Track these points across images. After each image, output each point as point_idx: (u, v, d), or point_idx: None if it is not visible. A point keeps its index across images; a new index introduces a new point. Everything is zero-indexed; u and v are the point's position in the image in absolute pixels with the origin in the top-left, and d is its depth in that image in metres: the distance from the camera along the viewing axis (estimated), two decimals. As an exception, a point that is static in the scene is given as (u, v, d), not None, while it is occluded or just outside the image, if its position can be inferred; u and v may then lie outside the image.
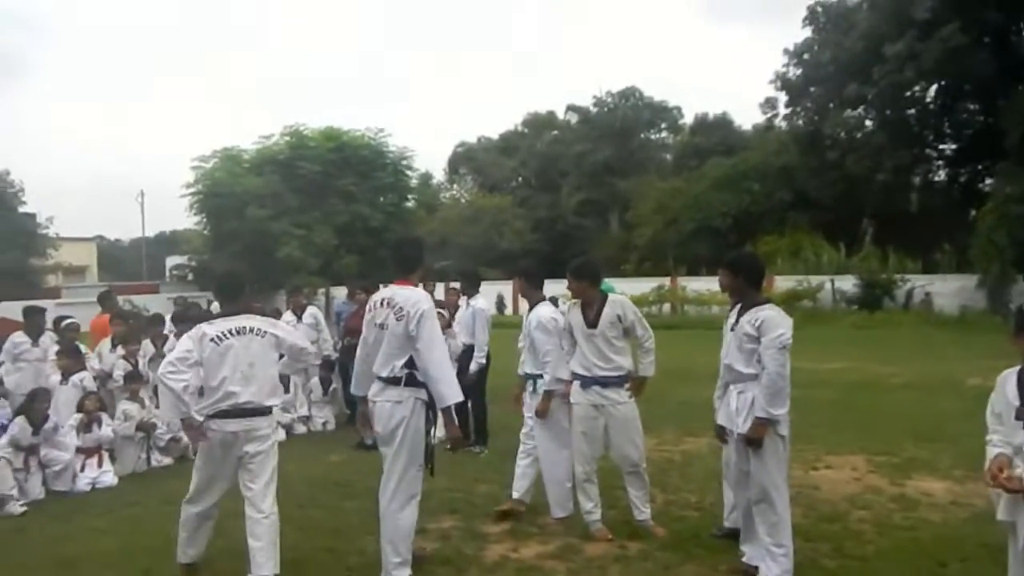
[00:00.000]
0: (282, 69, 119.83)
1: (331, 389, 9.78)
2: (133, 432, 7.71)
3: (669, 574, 4.66)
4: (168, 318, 9.58)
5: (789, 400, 4.45)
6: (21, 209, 34.69)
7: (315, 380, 9.78)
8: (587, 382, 5.27)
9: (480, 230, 38.58)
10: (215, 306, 6.60)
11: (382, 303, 4.63)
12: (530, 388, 5.74)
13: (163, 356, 8.35)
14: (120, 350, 8.41)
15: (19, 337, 8.25)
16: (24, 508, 6.40)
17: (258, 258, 28.96)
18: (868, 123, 29.36)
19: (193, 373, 4.65)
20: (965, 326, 19.74)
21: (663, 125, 46.27)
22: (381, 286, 5.20)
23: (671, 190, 35.25)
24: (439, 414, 4.63)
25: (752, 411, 4.44)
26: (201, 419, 4.62)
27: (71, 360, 7.94)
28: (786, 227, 29.70)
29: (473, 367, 7.89)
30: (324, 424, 9.72)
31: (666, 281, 26.75)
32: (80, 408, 7.37)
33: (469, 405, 7.93)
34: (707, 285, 23.88)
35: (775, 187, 32.02)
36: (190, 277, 35.61)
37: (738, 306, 4.70)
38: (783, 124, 33.60)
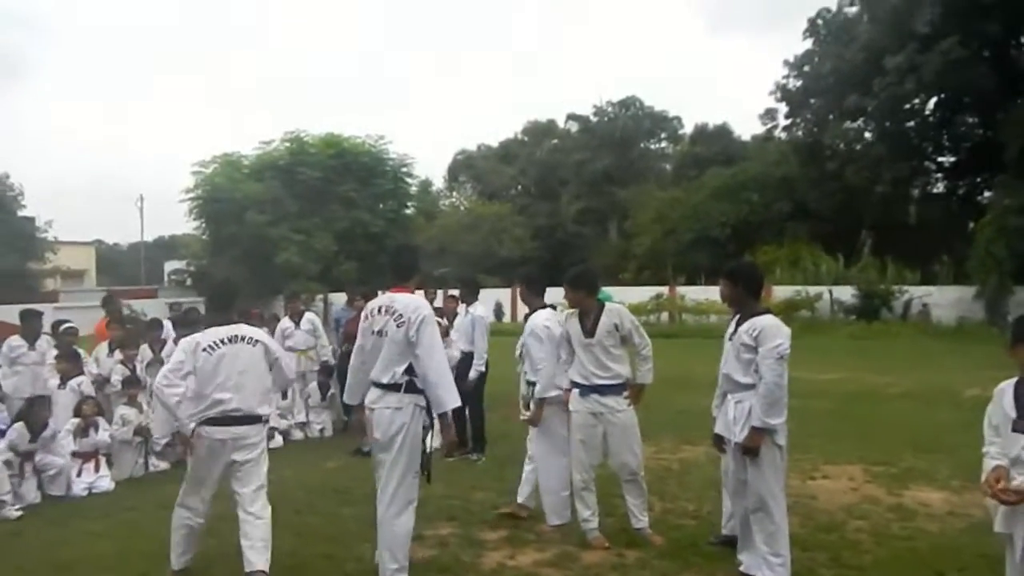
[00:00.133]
0: (282, 73, 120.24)
1: (329, 395, 9.77)
2: (131, 437, 7.70)
3: (666, 583, 4.66)
4: (167, 322, 9.56)
5: (786, 410, 4.46)
6: (20, 213, 34.70)
7: (313, 385, 9.78)
8: (585, 390, 5.28)
9: (479, 238, 38.63)
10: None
11: (379, 310, 4.64)
12: (529, 394, 5.78)
13: (161, 361, 8.42)
14: (118, 355, 8.41)
15: (15, 341, 8.22)
16: (20, 513, 6.39)
17: (257, 263, 28.98)
18: (868, 135, 29.47)
19: (187, 383, 4.72)
20: (963, 337, 19.77)
21: (663, 135, 46.46)
22: (380, 293, 5.21)
23: (670, 199, 35.33)
24: (436, 421, 4.64)
25: (749, 420, 4.45)
26: (192, 425, 4.66)
27: (70, 364, 7.93)
28: (785, 237, 29.75)
29: (472, 374, 7.90)
30: (321, 430, 9.70)
31: (664, 290, 26.78)
32: (77, 413, 7.37)
33: (467, 412, 7.93)
34: (705, 294, 23.93)
35: (774, 197, 32.11)
36: (188, 282, 35.61)
37: (737, 316, 4.72)
38: (783, 135, 33.73)
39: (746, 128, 50.97)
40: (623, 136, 43.70)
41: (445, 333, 7.87)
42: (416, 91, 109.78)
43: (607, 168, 41.66)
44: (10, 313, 13.26)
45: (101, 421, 7.46)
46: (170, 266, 44.73)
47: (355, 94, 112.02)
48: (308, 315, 10.18)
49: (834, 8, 29.64)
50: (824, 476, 6.90)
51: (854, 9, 28.64)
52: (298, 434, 9.51)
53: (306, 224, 30.89)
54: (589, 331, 5.27)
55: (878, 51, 25.14)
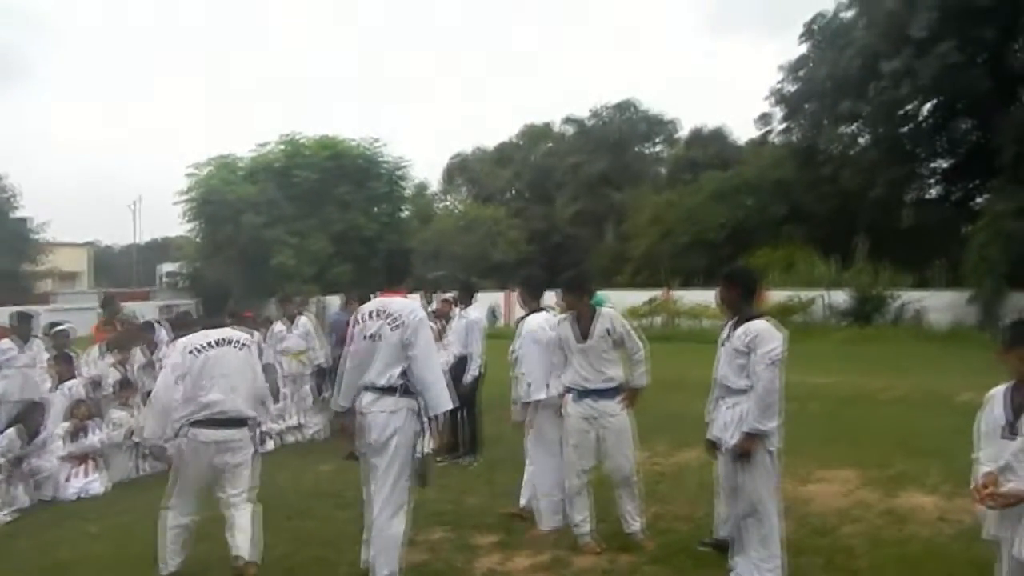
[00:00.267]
0: (276, 75, 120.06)
1: (323, 397, 9.75)
2: (123, 440, 7.67)
3: (658, 587, 4.66)
4: (160, 325, 9.54)
5: (780, 414, 4.46)
6: (15, 214, 34.59)
7: (307, 388, 9.77)
8: (580, 395, 5.28)
9: (474, 240, 38.63)
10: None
11: (372, 315, 4.64)
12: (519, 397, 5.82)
13: (154, 364, 8.41)
14: (111, 357, 8.39)
15: (6, 343, 8.13)
16: (10, 517, 6.37)
17: (252, 266, 28.97)
18: (863, 139, 29.52)
19: (181, 387, 4.79)
20: (956, 341, 19.79)
21: (659, 138, 46.45)
22: (374, 296, 5.21)
23: (666, 202, 35.35)
24: (428, 424, 4.64)
25: (742, 425, 4.45)
26: (169, 443, 4.82)
27: (64, 367, 7.91)
28: (780, 241, 29.77)
29: (468, 378, 7.89)
30: (315, 433, 9.68)
31: (660, 293, 26.79)
32: (70, 416, 7.34)
33: (462, 415, 7.92)
34: (701, 298, 23.92)
35: (769, 201, 32.15)
36: (181, 284, 35.56)
37: (732, 320, 4.72)
38: (778, 139, 33.81)
39: (742, 132, 50.86)
40: (619, 139, 43.72)
41: (439, 336, 7.87)
42: (411, 94, 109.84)
43: (603, 171, 41.66)
44: (2, 315, 13.22)
45: (93, 424, 7.44)
46: (164, 268, 44.69)
47: (350, 101, 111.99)
48: (302, 318, 10.17)
49: (830, 13, 29.76)
50: (817, 480, 6.90)
51: (850, 14, 28.69)
52: (292, 437, 9.49)
53: (301, 226, 30.89)
54: (583, 335, 5.27)
55: (874, 56, 25.18)
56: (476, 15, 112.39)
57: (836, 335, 21.47)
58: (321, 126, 63.28)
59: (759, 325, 4.53)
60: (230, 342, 4.88)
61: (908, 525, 5.67)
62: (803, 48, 30.54)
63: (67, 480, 7.09)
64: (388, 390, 4.51)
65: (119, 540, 5.73)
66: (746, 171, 34.39)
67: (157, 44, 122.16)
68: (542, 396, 5.63)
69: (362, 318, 4.69)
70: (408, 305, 4.66)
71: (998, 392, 3.45)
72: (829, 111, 28.70)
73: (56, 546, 5.65)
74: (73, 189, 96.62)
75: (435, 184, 50.85)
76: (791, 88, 30.93)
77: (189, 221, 32.74)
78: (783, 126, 32.48)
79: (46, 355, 8.03)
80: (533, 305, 6.04)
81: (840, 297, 23.59)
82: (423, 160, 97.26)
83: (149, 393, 6.98)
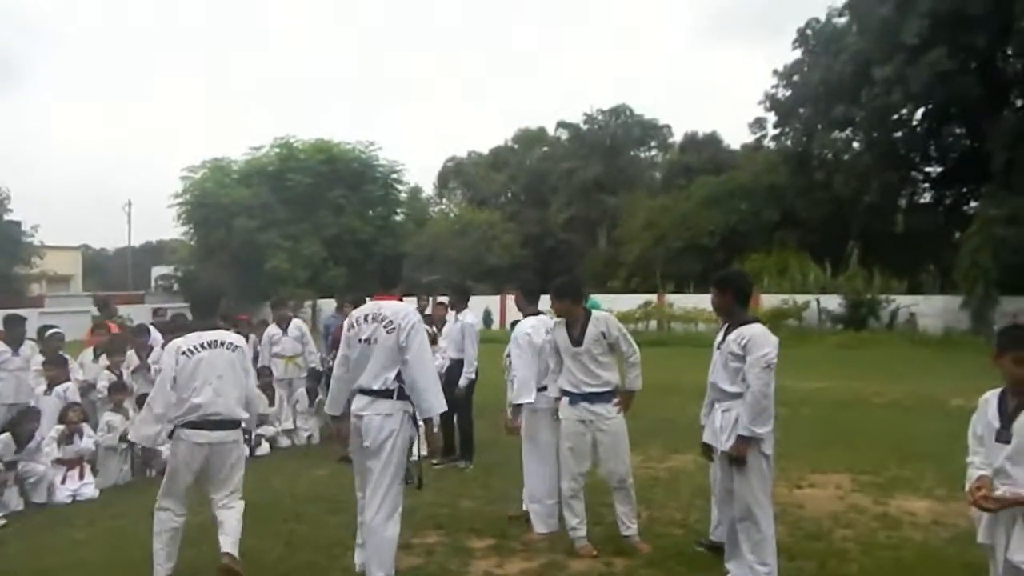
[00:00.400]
0: (271, 78, 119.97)
1: (317, 401, 9.73)
2: (116, 443, 7.64)
3: (653, 591, 4.66)
4: (152, 327, 9.50)
5: (773, 419, 4.48)
6: (6, 216, 34.46)
7: (301, 391, 9.74)
8: (575, 399, 5.28)
9: (469, 244, 38.67)
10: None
11: (366, 319, 4.65)
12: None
13: (148, 367, 8.39)
14: (104, 360, 8.36)
15: (-1, 347, 8.14)
16: (2, 521, 6.33)
17: (245, 269, 28.94)
18: (855, 145, 29.69)
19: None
20: (949, 346, 19.89)
21: (653, 143, 46.64)
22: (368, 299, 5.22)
23: (660, 207, 35.45)
24: (421, 427, 4.66)
25: (736, 429, 4.46)
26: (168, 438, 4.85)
27: (57, 370, 7.87)
28: (773, 246, 29.88)
29: (463, 382, 7.88)
30: (309, 437, 9.66)
31: (653, 298, 26.84)
32: (62, 419, 7.31)
33: (455, 419, 7.92)
34: (694, 302, 23.99)
35: (763, 206, 32.27)
36: (175, 287, 35.47)
37: (726, 324, 4.74)
38: (772, 144, 33.92)
39: (735, 137, 51.22)
40: (613, 144, 43.84)
41: (433, 340, 7.86)
42: (406, 97, 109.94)
43: (597, 176, 41.74)
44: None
45: (86, 428, 7.40)
46: (157, 271, 44.59)
47: (344, 98, 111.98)
48: (295, 321, 10.15)
49: (823, 19, 29.91)
50: (811, 485, 6.92)
51: (843, 20, 28.86)
52: (285, 441, 9.46)
53: (295, 230, 30.86)
54: (576, 340, 5.28)
55: (866, 62, 25.32)
56: (471, 19, 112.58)
57: (830, 340, 21.56)
58: (315, 127, 63.58)
59: (752, 330, 4.54)
60: (221, 344, 4.92)
61: (902, 529, 5.68)
62: (796, 53, 30.73)
63: (62, 483, 7.05)
64: (383, 393, 4.52)
65: (112, 544, 5.71)
66: (740, 176, 34.53)
67: (151, 46, 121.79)
68: (528, 400, 5.65)
69: (356, 322, 4.69)
70: (403, 308, 4.67)
71: (992, 396, 3.46)
72: (822, 116, 28.84)
73: (48, 550, 5.62)
74: (66, 191, 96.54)
75: (430, 188, 50.97)
76: (785, 93, 31.06)
77: (183, 224, 32.72)
78: (777, 131, 32.61)
79: (40, 358, 7.99)
80: (530, 309, 6.07)
81: (833, 302, 23.68)
82: (418, 164, 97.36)
83: (143, 396, 6.98)
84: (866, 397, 12.24)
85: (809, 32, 30.25)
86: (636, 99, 68.79)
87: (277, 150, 33.16)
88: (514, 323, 6.25)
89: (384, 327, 4.54)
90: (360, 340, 4.61)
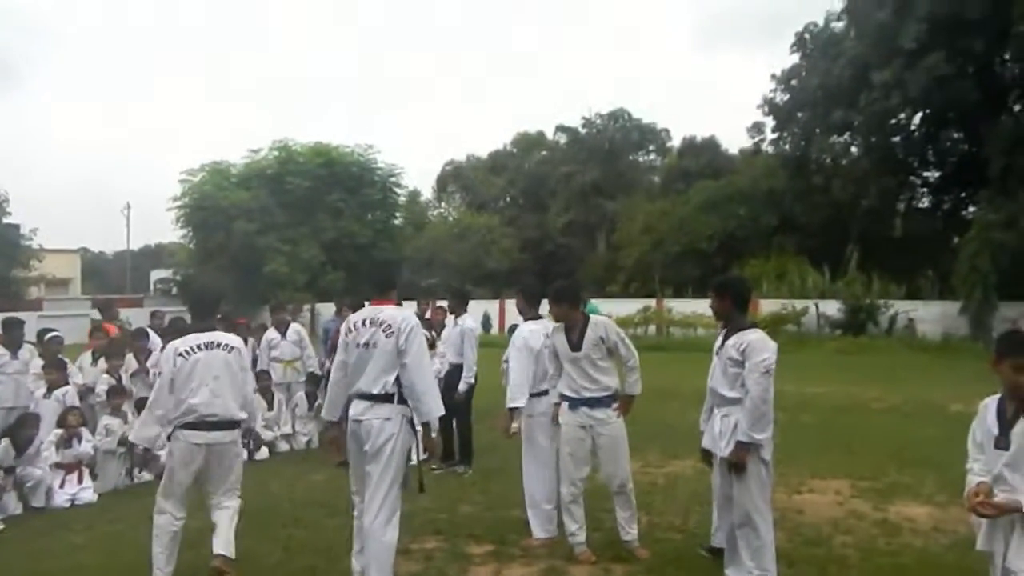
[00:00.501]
0: (271, 79, 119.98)
1: (316, 404, 9.72)
2: (115, 447, 7.63)
3: (652, 597, 4.66)
4: (151, 332, 9.49)
5: (772, 425, 4.47)
6: (5, 220, 34.43)
7: (300, 395, 9.74)
8: (575, 403, 5.28)
9: (468, 248, 38.64)
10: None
11: (364, 323, 4.65)
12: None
13: (147, 371, 8.38)
14: (102, 364, 8.35)
15: (-3, 350, 8.12)
16: (0, 525, 6.32)
17: (244, 273, 28.92)
18: (854, 149, 29.69)
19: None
20: (948, 351, 19.90)
21: (651, 147, 46.63)
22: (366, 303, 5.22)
23: (658, 212, 35.45)
24: (419, 430, 4.66)
25: (735, 435, 4.46)
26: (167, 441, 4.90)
27: (57, 374, 7.86)
28: (772, 250, 29.89)
29: (462, 386, 7.87)
30: (308, 442, 9.64)
31: (652, 302, 26.84)
32: (61, 423, 7.30)
33: (455, 424, 7.92)
34: (692, 307, 23.99)
35: (761, 211, 32.27)
36: (174, 291, 35.44)
37: (725, 329, 4.74)
38: (770, 148, 33.92)
39: (734, 141, 51.34)
40: (611, 148, 43.84)
41: (431, 345, 7.85)
42: (406, 100, 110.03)
43: (595, 180, 41.74)
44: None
45: (84, 432, 7.39)
46: (156, 275, 44.57)
47: (343, 99, 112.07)
48: (294, 325, 10.15)
49: (821, 23, 29.94)
50: (810, 490, 6.91)
51: (841, 24, 28.89)
52: (284, 446, 9.44)
53: (294, 234, 30.87)
54: (575, 344, 5.28)
55: (864, 66, 25.34)
56: (466, 21, 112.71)
57: (828, 345, 21.56)
58: (314, 128, 63.37)
59: (751, 335, 4.55)
60: (218, 345, 4.97)
61: (901, 535, 5.68)
62: (795, 58, 30.73)
63: (60, 487, 7.04)
64: (383, 397, 4.52)
65: (110, 548, 5.70)
66: (738, 180, 34.54)
67: (150, 48, 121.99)
68: (519, 404, 5.68)
69: (354, 327, 4.69)
70: (400, 312, 4.69)
71: (991, 402, 3.46)
72: (821, 121, 28.86)
73: (46, 554, 5.62)
74: (65, 194, 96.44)
75: (428, 192, 50.98)
76: (783, 98, 31.07)
77: (182, 227, 32.74)
78: (775, 136, 32.59)
79: (39, 361, 7.98)
80: (531, 313, 6.08)
81: (832, 307, 23.69)
82: (417, 167, 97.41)
83: (141, 400, 6.99)
84: (865, 402, 12.24)
85: (807, 36, 30.26)
86: (635, 103, 69.05)
87: (276, 153, 33.18)
88: (512, 328, 6.27)
89: (383, 331, 4.54)
90: (358, 345, 4.61)
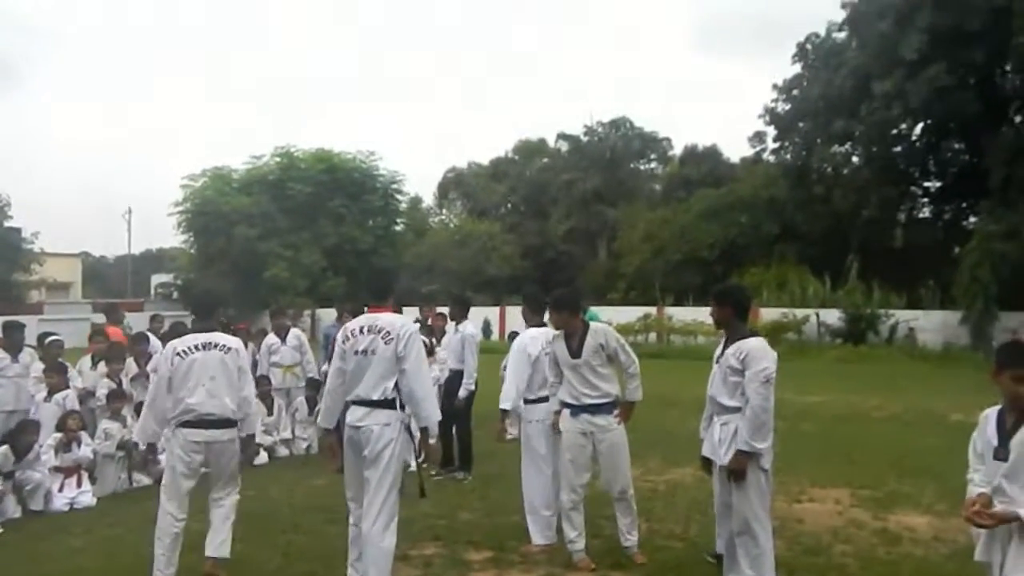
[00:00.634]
0: (271, 79, 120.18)
1: (316, 409, 9.70)
2: (114, 451, 7.63)
3: (652, 605, 4.65)
4: (151, 336, 9.49)
5: (772, 433, 4.48)
6: (6, 223, 34.49)
7: (300, 400, 9.73)
8: (575, 410, 5.29)
9: (469, 255, 38.64)
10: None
11: (362, 330, 4.65)
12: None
13: (147, 375, 8.37)
14: (102, 367, 8.35)
15: (-2, 353, 8.12)
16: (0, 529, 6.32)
17: (245, 278, 28.96)
18: (855, 159, 29.73)
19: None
20: (948, 361, 19.89)
21: (653, 155, 46.67)
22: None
23: (659, 220, 35.49)
24: (416, 436, 4.69)
25: (735, 443, 4.46)
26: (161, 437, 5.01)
27: (58, 378, 7.86)
28: (772, 259, 29.90)
29: (463, 393, 7.86)
30: (307, 447, 9.63)
31: (652, 310, 26.85)
32: (60, 427, 7.30)
33: (454, 430, 7.91)
34: (693, 315, 23.99)
35: (762, 219, 32.30)
36: (175, 295, 35.47)
37: (725, 338, 4.75)
38: (771, 158, 33.94)
39: (735, 150, 51.24)
40: (613, 156, 43.87)
41: (430, 351, 7.86)
42: (406, 102, 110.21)
43: (596, 188, 41.76)
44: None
45: (84, 436, 7.39)
46: (157, 279, 44.58)
47: (344, 100, 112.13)
48: (294, 331, 10.14)
49: (823, 33, 30.01)
50: (810, 499, 6.91)
51: (842, 35, 28.96)
52: (283, 451, 9.43)
53: (295, 239, 30.92)
54: (575, 352, 5.29)
55: (866, 77, 25.40)
56: (467, 27, 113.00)
57: (829, 354, 21.55)
58: (315, 131, 63.29)
59: (752, 344, 4.55)
60: (216, 346, 5.05)
61: (901, 545, 5.67)
62: (796, 68, 30.80)
63: (59, 491, 7.03)
64: (383, 403, 4.52)
65: (109, 552, 5.70)
66: (739, 189, 34.55)
67: (151, 50, 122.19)
68: (507, 406, 5.82)
69: (352, 334, 4.69)
70: (399, 319, 4.73)
71: (991, 413, 3.46)
72: (822, 130, 28.90)
73: (45, 558, 5.61)
74: (66, 198, 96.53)
75: (430, 198, 51.04)
76: (784, 107, 31.13)
77: (183, 232, 32.78)
78: (776, 145, 32.63)
79: (39, 365, 7.98)
80: (535, 320, 6.12)
81: (833, 316, 23.69)
82: (418, 173, 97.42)
83: (141, 404, 6.97)
84: (865, 411, 12.24)
85: (809, 47, 30.34)
86: (636, 111, 68.72)
87: (278, 159, 33.25)
88: (512, 335, 6.29)
89: (382, 338, 4.55)
90: (356, 352, 4.61)
